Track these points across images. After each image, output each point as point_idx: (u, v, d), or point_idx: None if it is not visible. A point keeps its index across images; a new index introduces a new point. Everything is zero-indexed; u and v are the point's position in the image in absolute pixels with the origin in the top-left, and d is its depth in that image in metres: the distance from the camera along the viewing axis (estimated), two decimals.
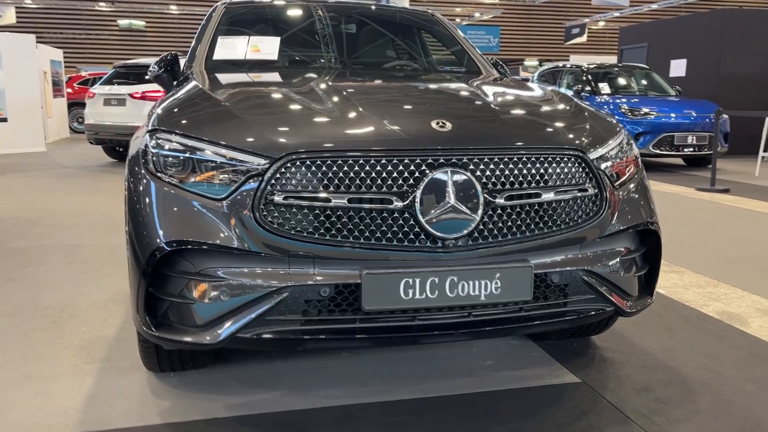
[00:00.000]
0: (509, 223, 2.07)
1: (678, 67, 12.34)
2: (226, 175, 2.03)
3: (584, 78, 10.71)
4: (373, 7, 4.02)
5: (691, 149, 9.40)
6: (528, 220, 2.09)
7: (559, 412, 2.34)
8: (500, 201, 2.03)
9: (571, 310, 2.22)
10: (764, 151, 9.28)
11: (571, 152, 2.17)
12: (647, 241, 2.41)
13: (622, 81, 10.87)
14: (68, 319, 3.19)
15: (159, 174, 2.11)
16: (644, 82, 10.95)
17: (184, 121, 2.23)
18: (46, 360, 2.72)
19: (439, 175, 1.98)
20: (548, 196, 2.10)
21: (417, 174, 1.98)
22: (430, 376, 2.59)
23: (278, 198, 1.95)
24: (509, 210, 2.06)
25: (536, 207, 2.10)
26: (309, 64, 3.53)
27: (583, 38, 30.95)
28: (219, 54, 3.32)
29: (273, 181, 1.96)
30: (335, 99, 2.35)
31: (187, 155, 2.09)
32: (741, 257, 4.62)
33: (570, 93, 10.76)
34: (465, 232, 2.00)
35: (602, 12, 30.11)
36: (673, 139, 9.25)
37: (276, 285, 1.97)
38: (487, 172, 2.04)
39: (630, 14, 29.14)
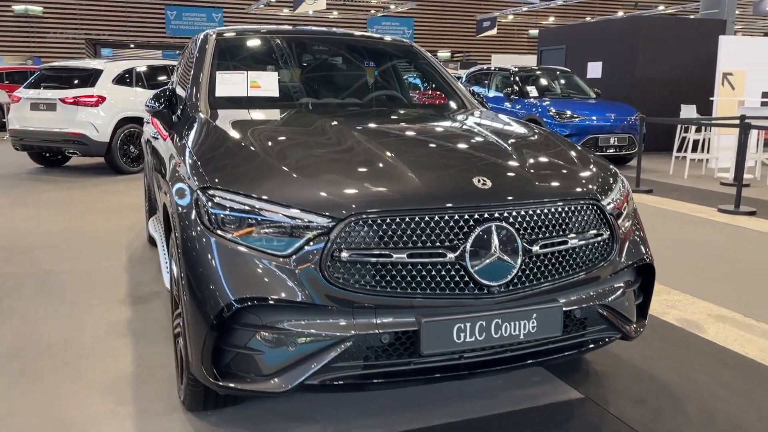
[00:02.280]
0: (542, 268, 2.32)
1: (594, 69, 13.09)
2: (290, 233, 2.17)
3: (512, 80, 11.20)
4: (359, 36, 4.17)
5: (614, 150, 10.07)
6: (557, 264, 2.36)
7: (575, 429, 2.63)
8: (535, 249, 2.28)
9: (589, 339, 2.51)
10: (677, 151, 10.06)
11: (589, 202, 2.45)
12: (644, 272, 2.73)
13: (546, 84, 11.44)
14: (77, 359, 3.20)
15: (218, 231, 2.23)
16: (566, 84, 11.56)
17: (236, 179, 2.34)
18: (76, 405, 2.76)
19: (485, 229, 2.21)
20: (573, 241, 2.37)
21: (466, 229, 2.20)
22: (453, 399, 2.83)
23: (344, 255, 2.12)
24: (542, 256, 2.31)
25: (563, 252, 2.36)
26: (311, 101, 3.65)
27: (494, 31, 31.96)
28: (221, 90, 3.40)
29: (338, 240, 2.13)
30: (374, 152, 2.53)
31: (247, 214, 2.21)
32: (680, 262, 5.11)
33: (500, 95, 11.24)
34: (507, 278, 2.24)
35: (513, 6, 31.13)
36: (598, 140, 9.88)
37: (342, 335, 2.14)
38: (524, 224, 2.28)
39: (541, 9, 30.22)
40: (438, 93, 4.30)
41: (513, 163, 2.56)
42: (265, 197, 2.22)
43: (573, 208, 2.41)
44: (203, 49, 3.69)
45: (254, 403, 2.76)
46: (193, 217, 2.32)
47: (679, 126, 10.17)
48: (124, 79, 9.25)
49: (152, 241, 5.13)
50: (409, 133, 3.09)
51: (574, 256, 2.40)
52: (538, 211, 2.32)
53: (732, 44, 10.74)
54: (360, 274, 2.14)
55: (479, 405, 2.78)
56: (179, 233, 2.37)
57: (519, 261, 2.25)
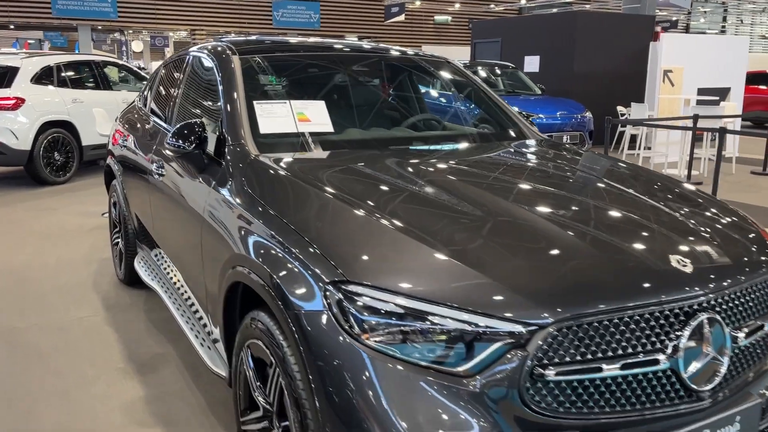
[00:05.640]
0: (743, 360, 1.97)
1: (531, 63, 13.03)
2: (471, 345, 1.69)
3: None
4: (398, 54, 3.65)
5: None
6: (754, 352, 2.01)
7: None
8: (740, 338, 1.93)
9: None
10: (616, 146, 10.15)
11: None
12: None
13: (492, 80, 11.23)
14: None
15: (370, 342, 1.72)
16: (510, 80, 11.40)
17: (383, 269, 1.83)
18: None
19: (696, 323, 1.82)
20: None
21: (676, 325, 1.81)
22: None
23: (549, 371, 1.66)
24: (744, 346, 1.96)
25: (760, 336, 2.02)
26: (377, 136, 3.14)
27: (402, 17, 31.75)
28: (265, 126, 2.81)
29: (539, 353, 1.67)
30: (543, 225, 2.06)
31: (408, 321, 1.72)
32: None
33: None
34: (717, 380, 1.87)
35: None
36: (552, 138, 9.76)
37: None
38: (728, 311, 1.92)
39: None
40: None
41: (694, 233, 2.17)
42: (433, 297, 1.73)
43: (762, 284, 2.07)
44: (228, 69, 3.04)
45: None
46: (327, 322, 1.79)
47: (620, 130, 10.25)
48: (44, 77, 8.16)
49: (130, 281, 4.42)
50: (556, 191, 2.54)
51: (766, 338, 2.06)
52: (737, 293, 1.96)
53: (670, 41, 10.93)
54: (564, 394, 1.70)
55: None
56: (302, 340, 1.83)
57: (727, 357, 1.88)
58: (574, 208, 2.33)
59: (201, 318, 2.99)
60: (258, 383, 2.21)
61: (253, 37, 3.77)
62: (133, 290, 4.45)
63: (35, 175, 8.08)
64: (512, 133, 3.42)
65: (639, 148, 10.27)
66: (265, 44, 3.46)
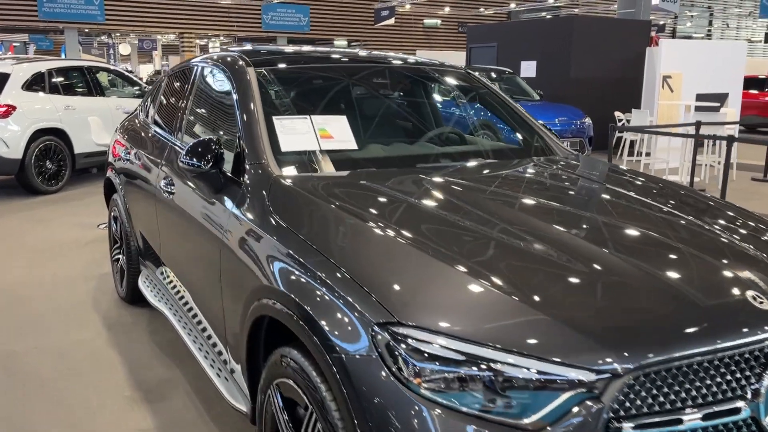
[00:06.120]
0: None
1: (528, 68, 12.92)
2: (537, 394, 1.54)
3: None
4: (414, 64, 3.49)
5: None
6: None
7: None
8: None
9: None
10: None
11: None
12: None
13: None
14: None
15: (424, 391, 1.56)
16: (508, 85, 11.27)
17: (441, 312, 1.67)
18: None
19: None
20: None
21: (757, 368, 1.67)
22: None
23: (626, 425, 1.51)
24: None
25: None
26: (404, 153, 2.98)
27: (392, 21, 31.67)
28: (286, 143, 2.64)
29: (615, 404, 1.52)
30: (606, 259, 1.89)
31: (472, 369, 1.56)
32: None
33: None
34: None
35: None
36: None
37: None
38: None
39: None
40: None
41: (761, 262, 2.03)
42: (494, 340, 1.57)
43: None
44: (244, 82, 2.87)
45: None
46: (375, 367, 1.63)
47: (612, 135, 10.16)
48: (36, 84, 7.93)
49: (132, 299, 4.23)
50: (613, 219, 2.33)
51: None
52: None
53: (669, 47, 10.86)
54: None
55: None
56: (346, 384, 1.67)
57: None
58: (634, 236, 2.17)
59: (215, 345, 2.82)
60: (288, 422, 2.04)
61: (249, 47, 3.60)
62: (134, 309, 4.26)
63: (27, 184, 7.84)
64: (541, 148, 3.27)
65: (636, 154, 10.19)
66: (279, 55, 3.29)
